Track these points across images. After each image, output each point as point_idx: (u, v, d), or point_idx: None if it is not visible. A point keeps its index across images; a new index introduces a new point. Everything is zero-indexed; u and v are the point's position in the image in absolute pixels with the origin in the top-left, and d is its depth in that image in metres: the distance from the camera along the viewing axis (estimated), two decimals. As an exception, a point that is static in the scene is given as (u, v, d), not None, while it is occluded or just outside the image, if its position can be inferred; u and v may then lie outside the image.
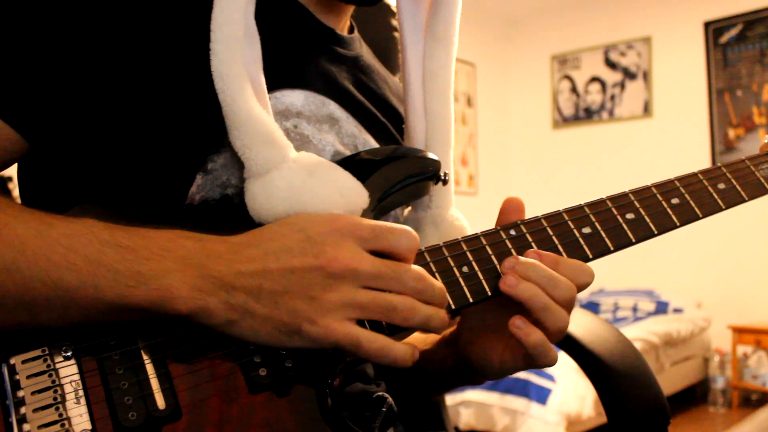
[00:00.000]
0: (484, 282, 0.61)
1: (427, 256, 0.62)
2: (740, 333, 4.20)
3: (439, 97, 0.74)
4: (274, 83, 0.67)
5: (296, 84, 0.69)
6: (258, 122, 0.60)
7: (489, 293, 0.61)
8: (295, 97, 0.68)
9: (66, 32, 0.62)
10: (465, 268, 0.61)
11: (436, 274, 0.61)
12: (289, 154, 0.61)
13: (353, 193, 0.60)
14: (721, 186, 0.70)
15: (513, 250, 0.63)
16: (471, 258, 0.62)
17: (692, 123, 4.78)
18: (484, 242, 0.63)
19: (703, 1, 4.78)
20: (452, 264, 0.61)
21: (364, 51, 0.81)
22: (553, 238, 0.64)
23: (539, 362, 0.61)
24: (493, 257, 0.62)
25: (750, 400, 4.36)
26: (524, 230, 0.64)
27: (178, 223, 0.58)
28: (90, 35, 0.62)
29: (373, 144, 0.76)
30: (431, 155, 0.67)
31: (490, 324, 0.67)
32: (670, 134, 4.83)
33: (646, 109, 5.04)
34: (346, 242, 0.54)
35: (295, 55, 0.71)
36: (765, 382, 4.17)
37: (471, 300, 0.61)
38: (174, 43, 0.64)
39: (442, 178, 0.68)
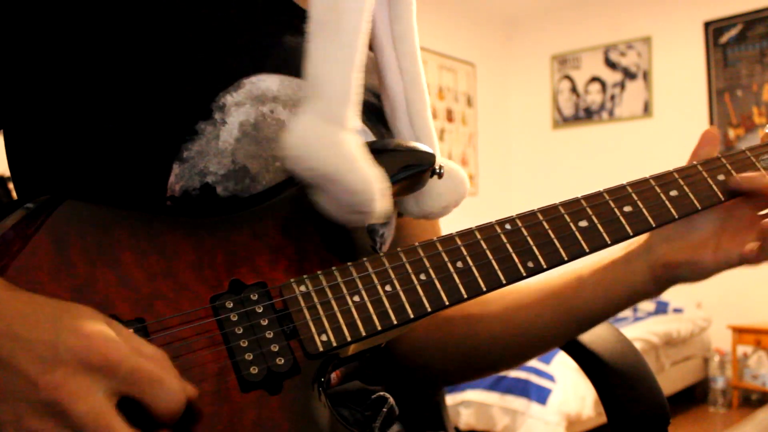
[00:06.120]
0: (479, 278, 0.60)
1: (421, 251, 0.61)
2: (740, 333, 4.20)
3: (410, 57, 0.76)
4: (251, 68, 0.66)
5: (273, 68, 0.69)
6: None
7: (484, 288, 0.60)
8: (271, 82, 0.68)
9: (38, 19, 0.62)
10: (459, 264, 0.61)
11: (430, 270, 0.60)
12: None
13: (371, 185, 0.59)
14: (721, 177, 0.69)
15: (508, 245, 0.62)
16: (465, 253, 0.61)
17: (692, 123, 4.77)
18: (479, 236, 0.62)
19: (703, 1, 4.78)
20: (446, 259, 0.61)
21: None
22: (549, 232, 0.63)
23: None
24: (487, 252, 0.62)
25: (750, 400, 4.36)
26: (519, 224, 0.63)
27: (163, 218, 0.57)
28: (60, 21, 0.62)
29: None
30: (423, 147, 0.66)
31: (702, 227, 0.72)
32: (670, 134, 4.82)
33: (646, 109, 5.04)
34: (84, 375, 0.44)
35: (272, 40, 0.71)
36: (765, 382, 4.16)
37: (465, 296, 0.60)
38: (141, 30, 0.64)
39: (437, 171, 0.67)
